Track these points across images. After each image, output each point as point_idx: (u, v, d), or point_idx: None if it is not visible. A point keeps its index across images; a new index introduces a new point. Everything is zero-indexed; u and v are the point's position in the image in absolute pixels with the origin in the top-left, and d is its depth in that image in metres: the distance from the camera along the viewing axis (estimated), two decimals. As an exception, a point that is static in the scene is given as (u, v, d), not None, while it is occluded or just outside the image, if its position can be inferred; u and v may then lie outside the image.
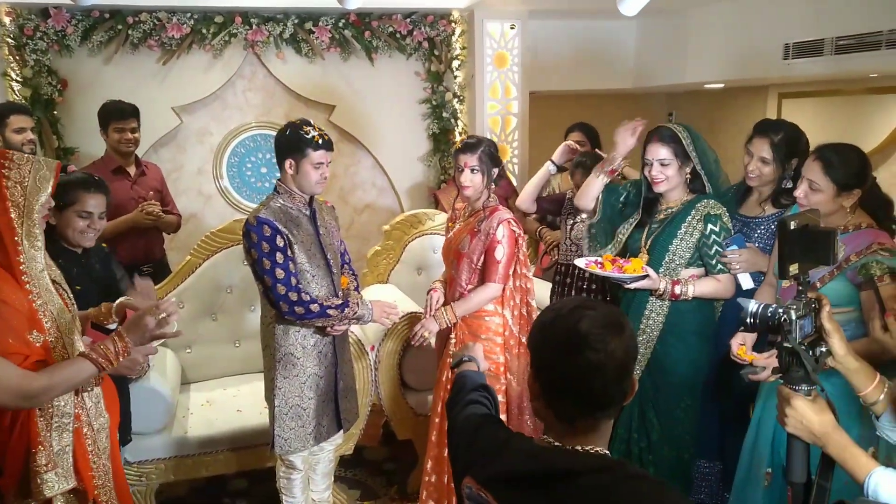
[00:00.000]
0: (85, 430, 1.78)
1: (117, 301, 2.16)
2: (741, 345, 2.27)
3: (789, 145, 2.47)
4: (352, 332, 2.96)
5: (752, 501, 2.21)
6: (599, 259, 2.69)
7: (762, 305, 1.45)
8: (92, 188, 2.34)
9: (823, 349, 1.44)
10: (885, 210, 2.20)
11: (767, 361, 2.11)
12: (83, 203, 2.32)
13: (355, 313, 2.50)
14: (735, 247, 2.49)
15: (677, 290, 2.53)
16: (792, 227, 1.44)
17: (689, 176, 2.59)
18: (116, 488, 1.88)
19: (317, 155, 2.39)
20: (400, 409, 3.27)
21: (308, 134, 2.38)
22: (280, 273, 2.34)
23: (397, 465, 3.57)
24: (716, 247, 2.52)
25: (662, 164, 2.55)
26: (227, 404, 3.22)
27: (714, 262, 2.53)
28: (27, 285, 1.67)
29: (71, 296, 1.85)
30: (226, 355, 3.49)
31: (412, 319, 3.12)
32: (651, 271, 2.54)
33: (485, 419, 1.39)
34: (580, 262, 2.72)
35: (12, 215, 1.63)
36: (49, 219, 2.24)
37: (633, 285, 2.56)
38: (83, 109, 4.04)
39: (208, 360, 3.47)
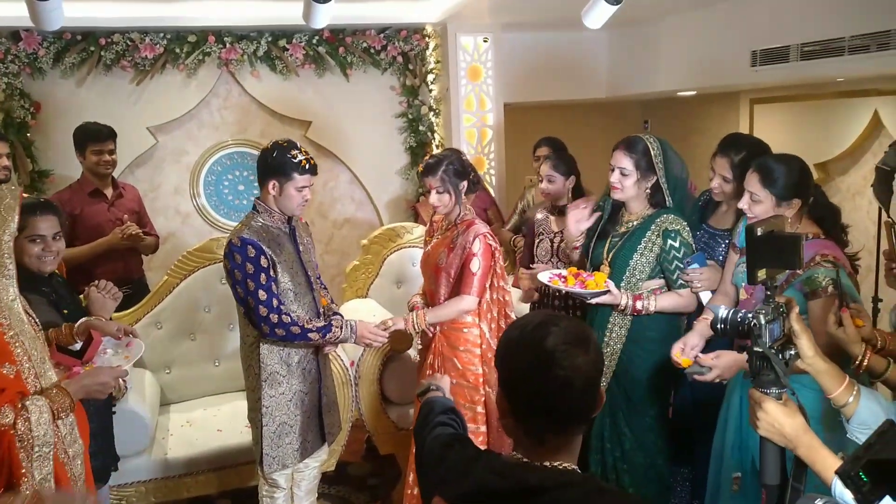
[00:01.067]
0: (61, 456, 1.77)
1: (80, 322, 2.14)
2: (681, 349, 2.31)
3: (749, 165, 2.48)
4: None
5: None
6: (563, 273, 2.70)
7: (731, 311, 1.48)
8: (38, 211, 2.22)
9: (793, 352, 1.46)
10: (833, 218, 2.23)
11: (713, 362, 2.15)
12: (33, 227, 2.20)
13: (337, 338, 2.50)
14: (696, 265, 2.50)
15: (639, 305, 2.54)
16: (758, 234, 1.46)
17: (648, 190, 2.59)
18: None
19: (302, 179, 2.40)
20: (381, 424, 3.28)
21: (295, 158, 2.38)
22: (263, 295, 2.34)
23: (381, 480, 3.56)
24: (675, 262, 2.53)
25: (622, 174, 2.57)
26: (207, 424, 3.21)
27: (675, 277, 2.54)
28: None
29: (38, 323, 1.83)
30: (205, 375, 3.48)
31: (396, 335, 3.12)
32: (612, 287, 2.55)
33: (453, 438, 1.39)
34: (543, 277, 2.72)
35: None
36: None
37: (594, 301, 2.57)
38: (57, 132, 4.04)
39: (188, 380, 3.45)
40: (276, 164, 2.41)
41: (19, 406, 1.63)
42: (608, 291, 2.54)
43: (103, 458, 2.52)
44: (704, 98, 5.84)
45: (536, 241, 3.26)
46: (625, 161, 2.56)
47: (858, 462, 1.14)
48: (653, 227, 2.56)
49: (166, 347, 3.37)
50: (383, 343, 2.74)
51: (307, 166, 2.40)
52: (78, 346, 2.11)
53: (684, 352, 2.33)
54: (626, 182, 2.57)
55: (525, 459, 1.18)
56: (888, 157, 3.39)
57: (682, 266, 2.52)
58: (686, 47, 4.67)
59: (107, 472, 2.57)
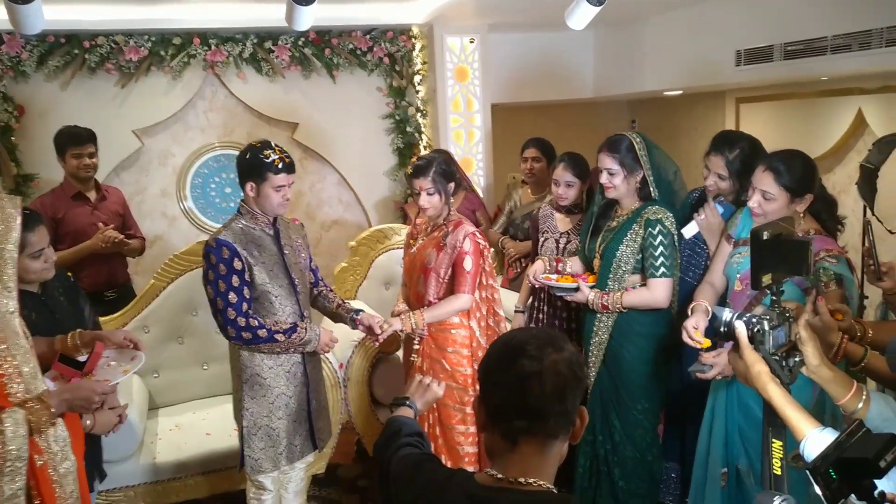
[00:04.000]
0: (50, 472, 1.72)
1: (80, 332, 2.12)
2: (695, 328, 2.27)
3: (744, 161, 2.49)
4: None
5: (710, 501, 2.24)
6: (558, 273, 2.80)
7: (735, 315, 1.46)
8: (29, 224, 2.09)
9: (797, 359, 1.44)
10: (830, 210, 2.26)
11: (715, 360, 2.15)
12: (31, 244, 2.11)
13: (301, 339, 2.47)
14: (720, 209, 2.53)
15: (605, 301, 2.61)
16: (764, 238, 1.44)
17: (638, 184, 2.64)
18: None
19: (278, 178, 2.38)
20: (371, 426, 3.27)
21: (268, 158, 2.37)
22: (233, 297, 2.34)
23: (371, 482, 3.55)
24: (659, 249, 2.55)
25: (610, 174, 2.63)
26: (195, 428, 3.19)
27: (653, 264, 2.57)
28: None
29: (29, 337, 1.80)
30: (193, 378, 3.46)
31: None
32: (582, 285, 2.67)
33: (423, 457, 1.36)
34: (530, 272, 2.84)
35: None
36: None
37: (567, 297, 2.70)
38: (41, 135, 3.99)
39: (176, 384, 3.43)
40: (250, 165, 2.40)
41: None
42: (578, 288, 2.66)
43: (88, 469, 2.48)
44: (691, 97, 5.88)
45: (541, 238, 3.25)
46: (608, 162, 2.62)
47: (828, 459, 1.14)
48: (638, 219, 2.62)
49: (154, 351, 3.34)
50: (331, 351, 2.71)
51: (281, 165, 2.38)
52: (84, 358, 2.07)
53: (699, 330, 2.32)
54: (616, 181, 2.63)
55: (499, 476, 1.15)
56: (872, 155, 3.43)
57: (665, 253, 2.54)
58: (671, 47, 4.69)
59: (90, 483, 2.53)
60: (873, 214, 3.36)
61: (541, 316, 3.16)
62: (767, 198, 2.16)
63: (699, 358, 2.20)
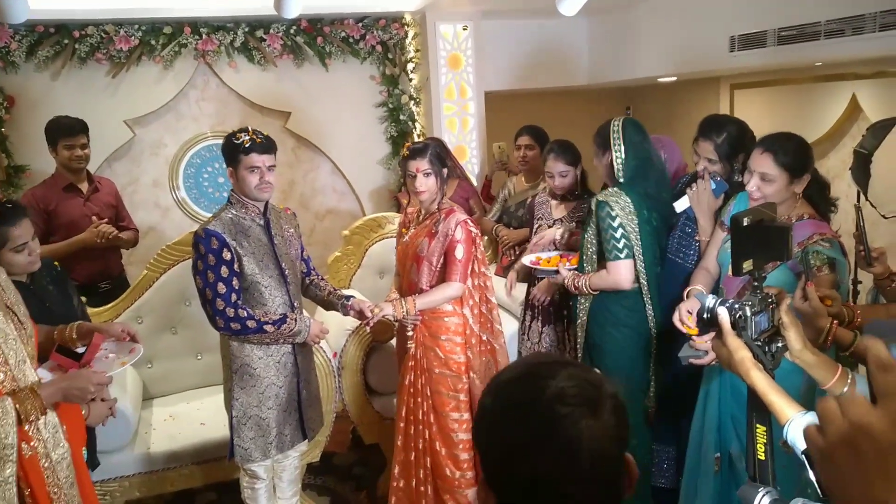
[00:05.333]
0: (42, 461, 1.72)
1: (79, 323, 2.11)
2: (690, 312, 2.27)
3: (732, 145, 2.52)
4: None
5: (703, 486, 2.25)
6: (546, 256, 2.91)
7: (718, 301, 1.44)
8: (11, 219, 2.12)
9: (780, 345, 1.43)
10: (822, 193, 2.26)
11: (708, 346, 2.15)
12: (13, 239, 2.11)
13: (291, 330, 2.47)
14: (713, 185, 2.54)
15: (577, 283, 2.70)
16: (745, 224, 1.43)
17: (609, 167, 2.67)
18: None
19: (248, 159, 2.37)
20: (366, 414, 3.28)
21: (238, 139, 2.37)
22: (221, 287, 2.33)
23: (366, 470, 3.57)
24: (609, 231, 2.58)
25: (594, 154, 2.71)
26: (190, 418, 3.20)
27: (607, 248, 2.61)
28: None
29: (23, 321, 1.80)
30: (187, 369, 3.45)
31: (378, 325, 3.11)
32: (562, 268, 2.77)
33: None
34: (525, 260, 2.92)
35: None
36: None
37: (550, 280, 2.88)
38: (32, 126, 3.97)
39: (170, 374, 3.43)
40: (225, 152, 2.43)
41: None
42: (557, 271, 2.78)
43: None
44: (685, 84, 5.86)
45: (535, 225, 3.26)
46: (594, 146, 2.70)
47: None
48: (594, 200, 2.66)
49: (148, 342, 3.31)
50: (320, 341, 2.70)
51: (250, 144, 2.37)
52: (82, 350, 2.07)
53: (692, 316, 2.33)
54: (595, 163, 2.71)
55: None
56: (866, 140, 3.42)
57: (615, 235, 2.56)
58: (665, 33, 4.67)
59: None
60: (867, 200, 3.35)
61: (535, 302, 3.17)
62: (767, 179, 2.15)
63: (689, 342, 2.20)
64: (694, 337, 2.21)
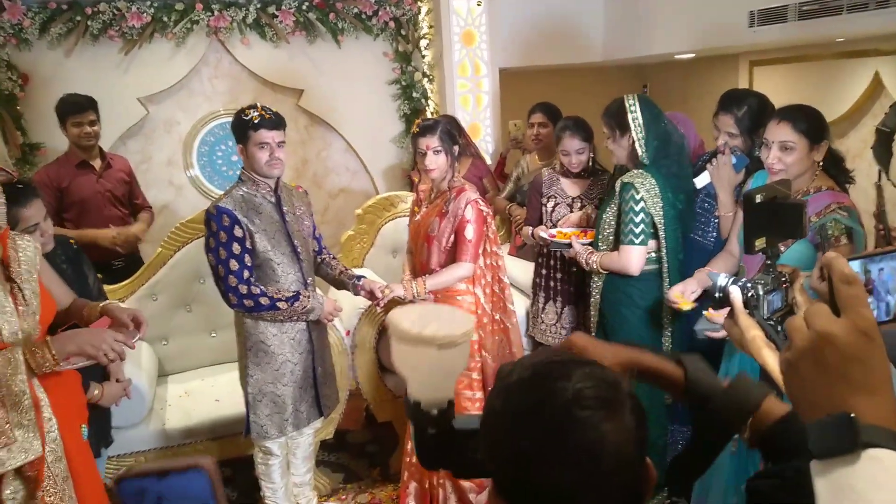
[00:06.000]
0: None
1: (100, 305, 2.12)
2: (681, 291, 2.29)
3: (753, 118, 2.50)
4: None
5: (718, 466, 2.24)
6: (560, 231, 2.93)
7: (731, 279, 1.44)
8: (21, 199, 2.10)
9: None
10: (838, 165, 2.24)
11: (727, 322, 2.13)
12: (25, 219, 2.11)
13: (304, 307, 2.47)
14: (733, 160, 2.52)
15: (589, 259, 2.70)
16: (758, 201, 1.41)
17: (630, 147, 2.62)
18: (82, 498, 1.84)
19: (258, 135, 2.36)
20: (379, 392, 3.29)
21: (247, 116, 2.37)
22: (234, 264, 2.33)
23: (380, 448, 3.59)
24: (629, 215, 2.55)
25: (607, 138, 2.65)
26: (205, 394, 3.22)
27: (623, 231, 2.58)
28: None
29: (28, 297, 1.80)
30: (202, 346, 3.48)
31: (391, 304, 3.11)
32: (575, 243, 2.76)
33: None
34: (543, 233, 2.96)
35: None
36: None
37: (564, 253, 2.88)
38: (46, 104, 3.95)
39: (185, 351, 3.46)
40: (235, 129, 2.43)
41: None
42: (570, 244, 2.78)
43: (95, 438, 2.51)
44: (703, 61, 5.75)
45: (549, 204, 3.18)
46: (604, 126, 2.65)
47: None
48: (618, 183, 2.63)
49: (163, 319, 3.36)
50: (335, 318, 2.72)
51: (259, 120, 2.36)
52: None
53: (685, 295, 2.33)
54: (610, 145, 2.65)
55: None
56: (888, 118, 3.36)
57: (634, 220, 2.54)
58: (683, 8, 4.58)
59: (96, 450, 2.56)
60: (888, 179, 3.29)
61: (552, 283, 3.16)
62: (787, 147, 2.13)
63: (708, 316, 2.19)
64: (711, 310, 2.21)
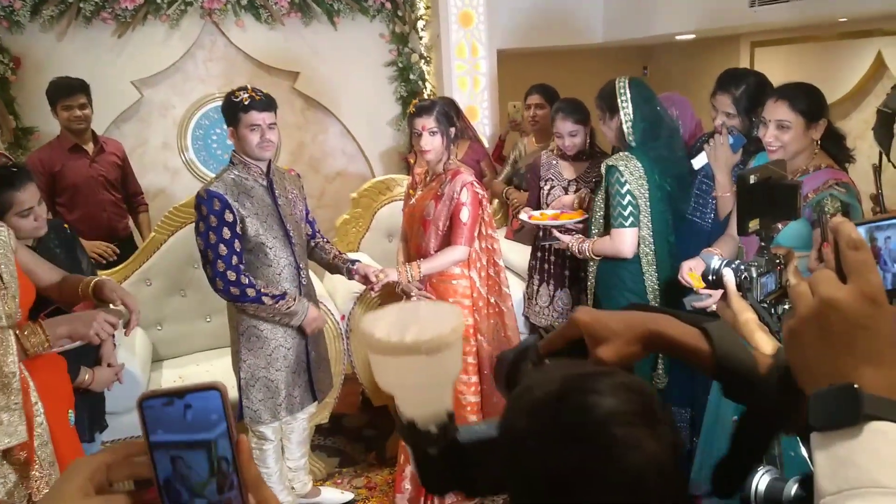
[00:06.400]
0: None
1: (93, 280, 2.10)
2: (691, 269, 2.26)
3: (751, 97, 2.47)
4: (322, 302, 2.94)
5: (719, 449, 2.23)
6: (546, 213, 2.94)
7: (724, 262, 1.42)
8: (16, 183, 2.09)
9: (787, 307, 1.40)
10: (839, 144, 2.23)
11: (715, 292, 2.12)
12: (19, 203, 2.08)
13: (288, 308, 2.43)
14: (730, 139, 2.48)
15: (580, 246, 2.67)
16: (752, 182, 1.39)
17: (618, 130, 2.60)
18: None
19: (248, 117, 2.33)
20: (374, 377, 3.27)
21: (237, 98, 2.34)
22: (223, 249, 2.31)
23: (376, 432, 3.58)
24: (616, 198, 2.54)
25: (599, 119, 2.65)
26: (199, 379, 3.14)
27: (613, 214, 2.56)
28: None
29: (11, 281, 1.78)
30: (197, 331, 3.46)
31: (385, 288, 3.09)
32: (562, 236, 2.76)
33: None
34: (523, 215, 2.93)
35: None
36: None
37: (556, 245, 2.85)
38: (39, 88, 3.90)
39: (179, 336, 3.44)
40: (225, 111, 2.40)
41: None
42: (562, 226, 2.78)
43: (88, 421, 2.50)
44: (704, 42, 5.69)
45: (545, 187, 3.15)
46: (597, 108, 2.65)
47: None
48: (603, 164, 2.62)
49: (157, 304, 3.35)
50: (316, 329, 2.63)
51: (249, 102, 2.33)
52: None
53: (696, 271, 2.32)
54: (602, 126, 2.65)
55: None
56: (890, 99, 3.30)
57: (621, 202, 2.52)
58: (684, -12, 4.52)
59: (90, 435, 2.55)
60: (889, 161, 3.25)
61: (545, 266, 3.13)
62: (784, 126, 2.12)
63: (695, 288, 2.18)
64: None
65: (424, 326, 0.77)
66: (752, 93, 2.46)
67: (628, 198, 2.50)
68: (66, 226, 2.61)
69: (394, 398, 0.83)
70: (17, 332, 1.68)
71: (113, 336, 2.49)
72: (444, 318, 0.80)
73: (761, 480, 1.00)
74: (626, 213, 2.51)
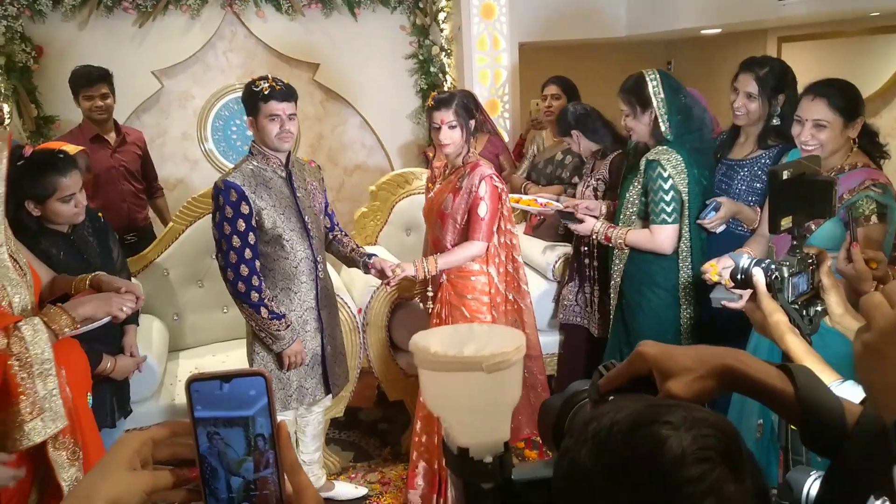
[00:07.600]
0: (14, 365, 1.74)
1: (89, 277, 2.10)
2: (712, 264, 2.23)
3: (775, 80, 2.44)
4: (338, 295, 2.92)
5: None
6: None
7: (754, 261, 1.37)
8: (62, 169, 2.20)
9: (819, 308, 1.34)
10: (873, 141, 2.18)
11: (745, 292, 2.06)
12: (62, 189, 2.18)
13: (277, 330, 2.38)
14: (713, 214, 2.43)
15: (609, 233, 2.61)
16: (784, 178, 1.34)
17: (652, 124, 2.54)
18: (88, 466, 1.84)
19: (268, 107, 2.31)
20: (390, 371, 3.25)
21: (258, 87, 2.32)
22: (236, 241, 2.29)
23: (392, 426, 3.57)
24: (659, 193, 2.48)
25: (625, 115, 2.57)
26: (215, 370, 3.20)
27: (654, 210, 2.51)
28: None
29: (27, 271, 1.79)
30: (213, 321, 3.46)
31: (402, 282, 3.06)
32: (588, 219, 2.71)
33: None
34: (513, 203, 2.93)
35: None
36: (33, 211, 2.20)
37: (572, 227, 2.77)
38: (61, 77, 3.92)
39: (196, 326, 3.44)
40: (245, 101, 2.37)
41: (12, 328, 1.61)
42: (572, 213, 2.73)
43: (111, 406, 2.52)
44: (730, 37, 5.60)
45: (588, 184, 3.12)
46: (622, 103, 2.57)
47: None
48: (643, 159, 2.55)
49: (174, 294, 3.35)
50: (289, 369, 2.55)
51: (269, 91, 2.31)
52: None
53: (719, 268, 2.27)
54: (629, 122, 2.57)
55: None
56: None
57: (665, 198, 2.46)
58: (710, -19, 4.44)
59: (113, 420, 2.56)
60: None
61: (575, 264, 3.11)
62: (820, 125, 2.07)
63: (723, 283, 2.12)
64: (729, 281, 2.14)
65: (482, 344, 0.70)
66: (776, 73, 2.43)
67: (672, 193, 2.45)
68: (100, 214, 2.63)
69: (440, 421, 0.75)
70: (42, 317, 1.70)
71: (136, 322, 2.53)
72: (504, 337, 0.73)
73: (813, 486, 0.96)
74: (669, 210, 2.46)
